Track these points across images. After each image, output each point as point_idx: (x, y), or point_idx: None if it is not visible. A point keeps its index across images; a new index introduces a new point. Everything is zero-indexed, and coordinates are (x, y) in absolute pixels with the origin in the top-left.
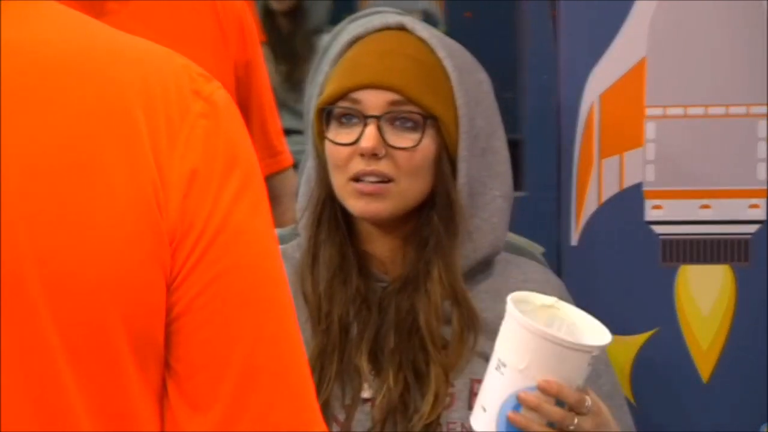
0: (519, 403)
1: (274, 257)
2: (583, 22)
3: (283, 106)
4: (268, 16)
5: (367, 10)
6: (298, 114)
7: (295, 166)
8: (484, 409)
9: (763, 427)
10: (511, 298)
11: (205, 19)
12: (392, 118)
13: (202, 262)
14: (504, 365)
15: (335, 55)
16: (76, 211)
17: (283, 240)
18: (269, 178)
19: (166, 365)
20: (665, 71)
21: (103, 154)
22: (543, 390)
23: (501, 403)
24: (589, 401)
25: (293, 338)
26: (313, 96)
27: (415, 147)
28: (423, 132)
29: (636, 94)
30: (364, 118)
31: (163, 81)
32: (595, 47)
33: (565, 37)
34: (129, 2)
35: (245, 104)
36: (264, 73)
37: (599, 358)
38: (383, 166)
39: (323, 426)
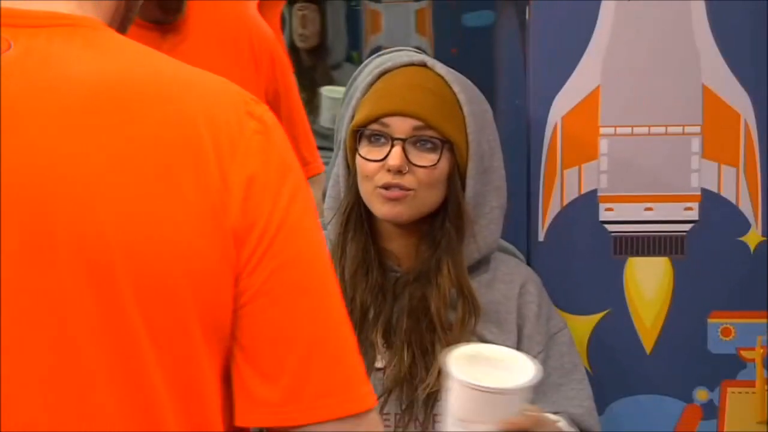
0: None
1: (324, 250)
2: (548, 56)
3: None
4: (293, 51)
5: (391, 49)
6: (316, 132)
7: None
8: None
9: (695, 391)
10: (451, 362)
11: (243, 53)
12: (415, 140)
13: (266, 255)
14: (464, 422)
15: (366, 84)
16: (154, 212)
17: None
18: None
19: (238, 345)
20: (616, 97)
21: (175, 165)
22: (503, 429)
23: None
24: (530, 420)
25: (343, 317)
26: (345, 117)
27: (434, 166)
28: (441, 153)
29: (592, 116)
30: (391, 140)
31: (223, 105)
32: (558, 77)
33: (534, 69)
34: (182, 43)
35: None
36: (294, 96)
37: (559, 341)
38: (406, 180)
39: (373, 395)
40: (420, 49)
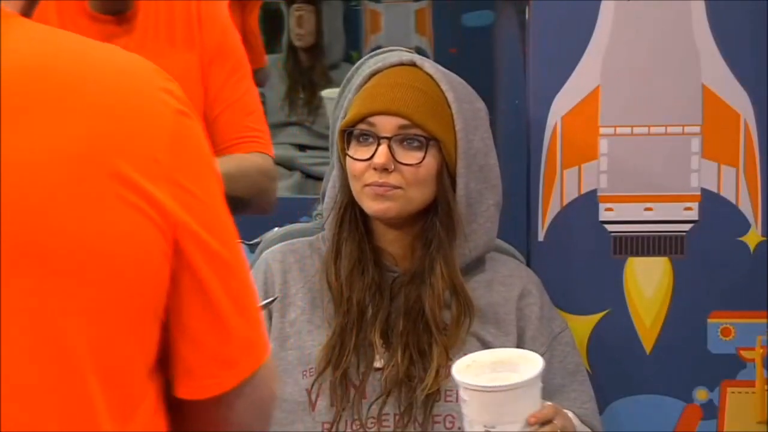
0: None
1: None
2: (548, 56)
3: (302, 126)
4: (290, 51)
5: (383, 49)
6: (314, 132)
7: (313, 176)
8: None
9: (695, 391)
10: (457, 374)
11: (192, 34)
12: (401, 139)
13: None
14: (493, 426)
15: (357, 85)
16: (71, 206)
17: (310, 233)
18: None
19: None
20: (615, 97)
21: (97, 153)
22: (532, 423)
23: None
24: (552, 410)
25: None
26: (338, 118)
27: (419, 164)
28: (426, 151)
29: (592, 116)
30: (377, 139)
31: (138, 84)
32: (558, 77)
33: (533, 69)
34: (133, 34)
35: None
36: (243, 80)
37: (562, 342)
38: (392, 179)
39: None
40: (419, 49)
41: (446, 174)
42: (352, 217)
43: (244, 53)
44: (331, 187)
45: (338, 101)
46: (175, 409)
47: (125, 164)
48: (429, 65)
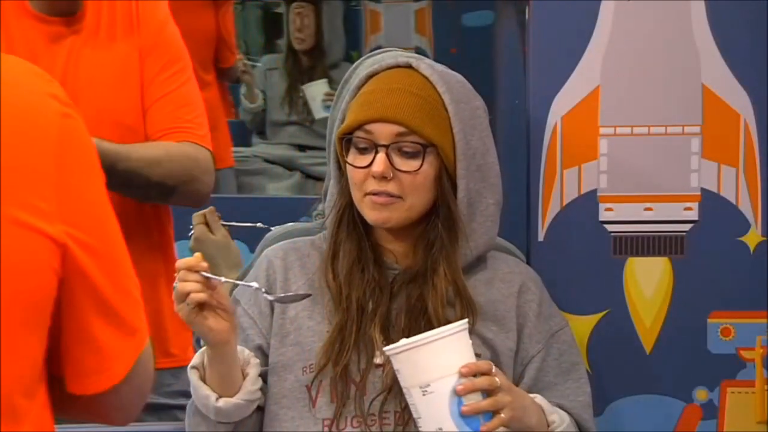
0: (460, 397)
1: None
2: (548, 56)
3: (302, 126)
4: (290, 51)
5: (381, 50)
6: (314, 132)
7: (313, 176)
8: (440, 428)
9: (695, 391)
10: (385, 349)
11: (134, 38)
12: (398, 146)
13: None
14: (427, 386)
15: (354, 88)
16: None
17: (311, 232)
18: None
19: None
20: (616, 97)
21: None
22: (465, 374)
23: (449, 410)
24: (487, 364)
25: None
26: (336, 120)
27: (417, 171)
28: (423, 158)
29: (592, 116)
30: (375, 147)
31: (24, 90)
32: (558, 77)
33: (533, 69)
34: (80, 34)
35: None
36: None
37: (560, 340)
38: (391, 187)
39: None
40: (419, 50)
41: (446, 177)
42: (351, 218)
43: (185, 49)
44: (332, 185)
45: (335, 104)
46: (63, 400)
47: (17, 210)
48: (425, 66)
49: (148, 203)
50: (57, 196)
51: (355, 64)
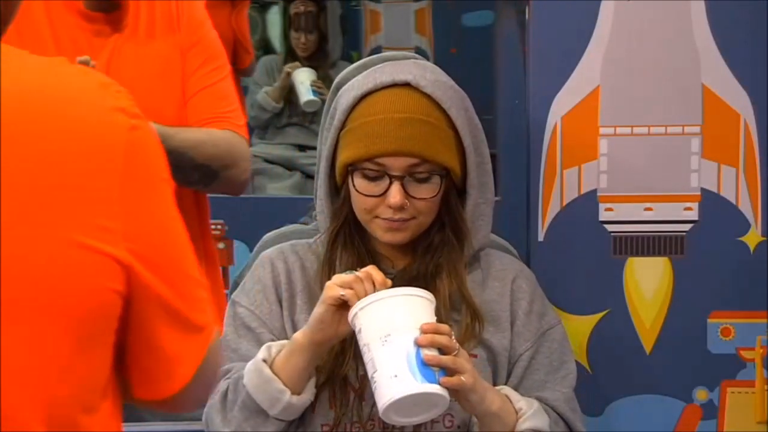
0: (419, 349)
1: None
2: (548, 56)
3: (302, 126)
4: (290, 56)
5: (371, 58)
6: (314, 133)
7: (313, 176)
8: (396, 375)
9: (695, 391)
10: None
11: (176, 35)
12: (412, 175)
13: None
14: (388, 335)
15: (347, 106)
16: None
17: (308, 235)
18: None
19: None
20: (615, 97)
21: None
22: (426, 330)
23: (406, 360)
24: (449, 328)
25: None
26: (329, 135)
27: (434, 197)
28: (441, 184)
29: (592, 116)
30: (389, 177)
31: (86, 108)
32: (558, 77)
33: (533, 69)
34: (123, 31)
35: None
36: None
37: (551, 338)
38: (406, 213)
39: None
40: (419, 50)
41: (454, 192)
42: (347, 234)
43: (223, 49)
44: (323, 204)
45: (324, 121)
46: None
47: (81, 235)
48: (425, 84)
49: (188, 194)
50: (122, 213)
51: (342, 74)
